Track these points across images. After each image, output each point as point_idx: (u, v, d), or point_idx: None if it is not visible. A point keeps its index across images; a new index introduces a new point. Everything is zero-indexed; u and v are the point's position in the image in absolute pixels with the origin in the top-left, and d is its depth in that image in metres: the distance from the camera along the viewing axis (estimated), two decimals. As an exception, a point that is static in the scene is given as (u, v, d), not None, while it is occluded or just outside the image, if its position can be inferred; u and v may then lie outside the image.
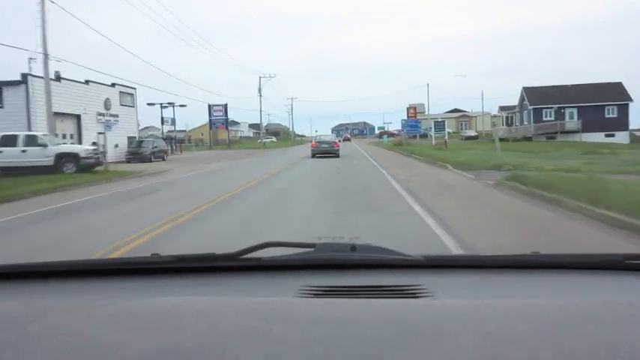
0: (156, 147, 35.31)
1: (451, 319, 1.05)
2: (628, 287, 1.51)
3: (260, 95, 73.95)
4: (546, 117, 55.61)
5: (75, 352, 0.91)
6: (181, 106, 50.07)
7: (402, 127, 49.46)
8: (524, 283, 1.57)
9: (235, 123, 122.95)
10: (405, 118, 52.88)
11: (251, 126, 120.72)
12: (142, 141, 36.47)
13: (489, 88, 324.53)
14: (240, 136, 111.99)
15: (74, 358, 0.90)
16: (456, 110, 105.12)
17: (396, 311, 1.13)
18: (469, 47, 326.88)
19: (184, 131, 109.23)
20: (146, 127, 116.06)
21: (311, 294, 1.43)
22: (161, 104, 47.13)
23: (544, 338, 0.94)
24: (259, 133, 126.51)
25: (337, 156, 30.20)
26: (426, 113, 73.03)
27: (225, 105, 66.10)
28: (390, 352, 0.86)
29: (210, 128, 68.88)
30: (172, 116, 51.13)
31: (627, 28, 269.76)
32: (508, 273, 1.64)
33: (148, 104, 47.07)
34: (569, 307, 1.19)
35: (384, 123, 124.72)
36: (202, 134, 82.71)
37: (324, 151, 30.80)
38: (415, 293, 1.43)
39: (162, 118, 47.65)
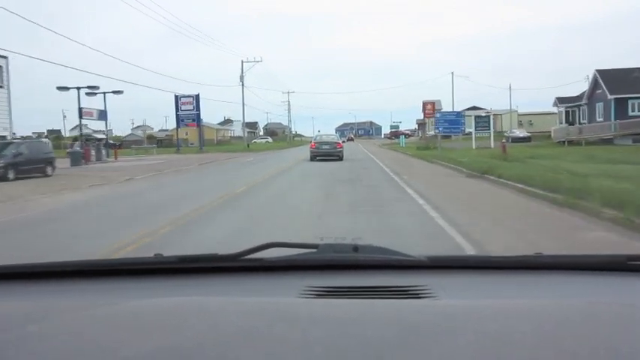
0: (20, 154, 20.45)
1: (453, 319, 1.05)
2: (630, 288, 1.50)
3: (242, 84, 58.47)
4: (633, 111, 39.55)
5: (75, 352, 0.92)
6: (115, 92, 35.06)
7: (436, 124, 34.51)
8: (526, 284, 1.55)
9: (230, 122, 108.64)
10: (421, 117, 37.87)
11: (248, 125, 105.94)
12: (8, 144, 21.62)
13: (494, 87, 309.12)
14: (231, 136, 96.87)
15: (74, 358, 0.90)
16: (475, 108, 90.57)
17: (397, 312, 1.13)
18: (469, 47, 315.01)
19: (166, 130, 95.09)
20: (138, 126, 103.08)
21: (313, 294, 1.41)
22: (78, 88, 31.83)
23: (545, 338, 0.94)
24: (254, 133, 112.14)
25: (340, 159, 27.20)
26: (444, 110, 59.21)
27: (197, 96, 50.59)
28: (391, 352, 0.86)
29: (178, 126, 53.77)
30: (104, 108, 35.91)
31: (627, 28, 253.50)
32: (510, 274, 1.63)
33: (58, 88, 31.89)
34: (571, 307, 1.19)
35: (393, 122, 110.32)
36: (187, 134, 67.84)
37: (325, 154, 27.72)
38: (417, 294, 1.41)
39: (79, 109, 32.10)
